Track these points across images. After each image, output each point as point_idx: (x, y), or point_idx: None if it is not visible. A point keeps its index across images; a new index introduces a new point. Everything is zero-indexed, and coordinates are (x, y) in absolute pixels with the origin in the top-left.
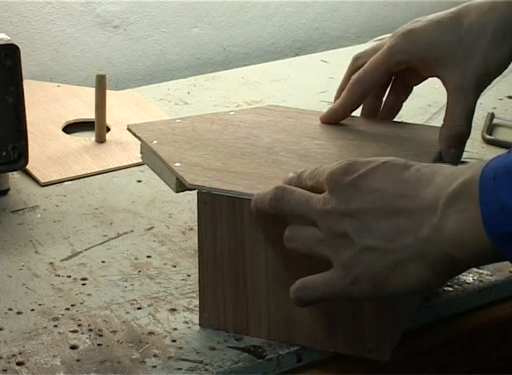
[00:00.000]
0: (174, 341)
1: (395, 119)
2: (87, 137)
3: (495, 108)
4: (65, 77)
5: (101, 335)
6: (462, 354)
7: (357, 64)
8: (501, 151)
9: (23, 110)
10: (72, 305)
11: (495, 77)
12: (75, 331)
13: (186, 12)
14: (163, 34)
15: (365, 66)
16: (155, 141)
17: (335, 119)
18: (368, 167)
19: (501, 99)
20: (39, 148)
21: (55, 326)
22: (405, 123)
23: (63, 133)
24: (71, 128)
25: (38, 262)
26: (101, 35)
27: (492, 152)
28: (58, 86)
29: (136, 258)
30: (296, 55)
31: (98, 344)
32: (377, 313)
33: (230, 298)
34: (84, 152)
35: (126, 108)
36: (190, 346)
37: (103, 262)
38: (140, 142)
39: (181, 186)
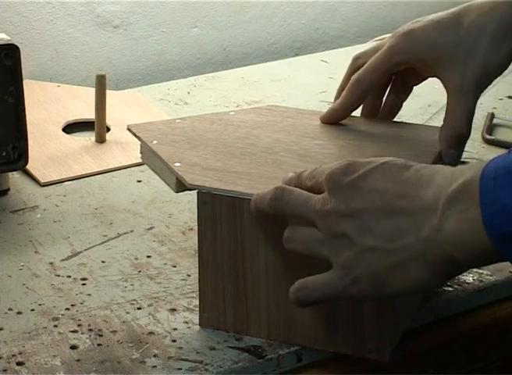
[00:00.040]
0: (174, 341)
1: (395, 119)
2: (87, 137)
3: (495, 108)
4: (65, 77)
5: (101, 335)
6: (462, 354)
7: (357, 64)
8: (501, 151)
9: (23, 110)
10: (72, 305)
11: (495, 78)
12: (75, 331)
13: (186, 12)
14: (163, 34)
15: (365, 66)
16: (155, 141)
17: (335, 119)
18: (368, 167)
19: (501, 99)
20: (39, 148)
21: (55, 326)
22: (405, 123)
23: (63, 133)
24: (71, 128)
25: (38, 262)
26: (101, 35)
27: (492, 152)
28: (58, 86)
29: (136, 258)
30: (296, 55)
31: (98, 344)
32: (377, 313)
33: (230, 298)
34: (84, 152)
35: (126, 108)
36: (190, 346)
37: (103, 262)
38: (140, 142)
39: (181, 186)
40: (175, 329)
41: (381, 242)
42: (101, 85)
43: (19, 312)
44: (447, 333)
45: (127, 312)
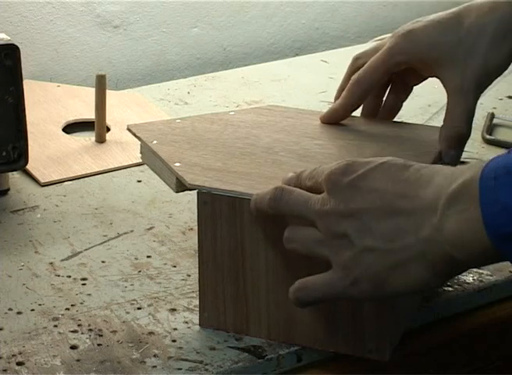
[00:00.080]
0: (174, 341)
1: (395, 119)
2: (87, 137)
3: (495, 108)
4: (65, 77)
5: (101, 335)
6: (462, 354)
7: (357, 64)
8: (501, 151)
9: (23, 110)
10: (72, 305)
11: (495, 78)
12: (75, 331)
13: (186, 12)
14: (163, 34)
15: (365, 66)
16: (155, 141)
17: (335, 120)
18: (367, 167)
19: (501, 99)
20: (39, 148)
21: (55, 326)
22: (405, 123)
23: (63, 133)
24: (71, 128)
25: (38, 262)
26: (101, 35)
27: (492, 152)
28: (58, 86)
29: (136, 258)
30: (296, 55)
31: (98, 344)
32: (377, 313)
33: (230, 298)
34: (84, 152)
35: (126, 108)
36: (190, 346)
37: (103, 262)
38: (140, 142)
39: (181, 186)
40: (175, 329)
41: (381, 242)
42: (101, 85)
43: (19, 312)
44: (447, 333)
45: (127, 312)
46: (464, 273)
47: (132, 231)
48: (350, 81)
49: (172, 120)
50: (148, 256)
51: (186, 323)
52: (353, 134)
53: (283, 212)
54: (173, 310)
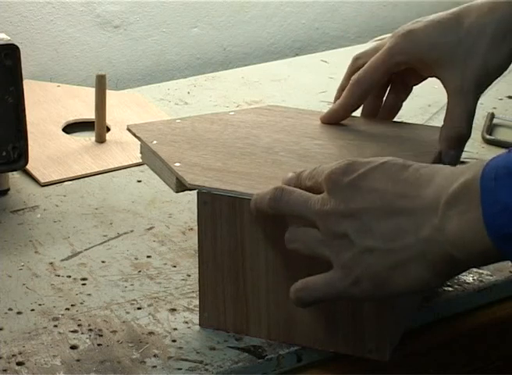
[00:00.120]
0: (174, 341)
1: (395, 119)
2: (87, 137)
3: (495, 108)
4: (65, 77)
5: (101, 335)
6: (462, 354)
7: (357, 64)
8: (501, 151)
9: (23, 110)
10: (72, 305)
11: (495, 78)
12: (75, 331)
13: (186, 12)
14: (163, 34)
15: (365, 66)
16: (155, 141)
17: (335, 120)
18: (367, 167)
19: (501, 99)
20: (39, 148)
21: (55, 326)
22: (405, 123)
23: (63, 133)
24: (71, 128)
25: (38, 262)
26: (101, 35)
27: (492, 152)
28: (58, 86)
29: (136, 258)
30: (296, 55)
31: (98, 344)
32: (377, 313)
33: (230, 298)
34: (84, 152)
35: (126, 108)
36: (190, 346)
37: (103, 262)
38: (140, 142)
39: (181, 186)
40: (175, 329)
41: (381, 242)
42: (101, 85)
43: (19, 312)
44: (447, 333)
45: (127, 312)
46: (463, 273)
47: (132, 231)
48: (350, 81)
49: (172, 120)
50: (148, 256)
51: (186, 323)
52: (353, 134)
53: (283, 212)
54: (173, 310)
